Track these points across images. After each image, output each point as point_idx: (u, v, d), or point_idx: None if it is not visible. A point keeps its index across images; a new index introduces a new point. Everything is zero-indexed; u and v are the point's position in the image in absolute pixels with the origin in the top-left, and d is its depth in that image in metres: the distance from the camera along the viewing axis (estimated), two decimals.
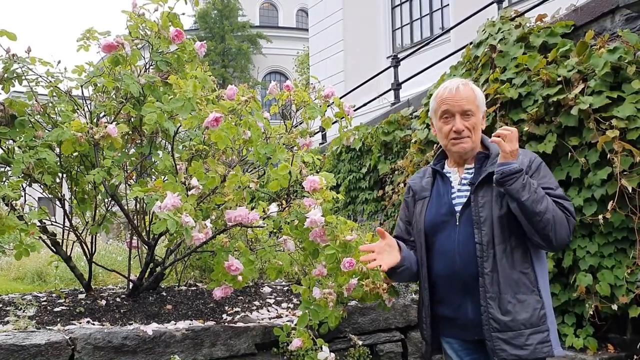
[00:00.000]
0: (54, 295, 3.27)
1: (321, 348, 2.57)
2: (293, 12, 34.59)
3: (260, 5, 34.42)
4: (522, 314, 1.93)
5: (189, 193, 2.51)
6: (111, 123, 2.78)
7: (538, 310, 1.96)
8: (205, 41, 3.04)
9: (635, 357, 3.33)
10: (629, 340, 3.49)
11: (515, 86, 3.90)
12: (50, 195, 3.08)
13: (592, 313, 3.41)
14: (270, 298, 3.45)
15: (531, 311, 1.95)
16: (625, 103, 3.35)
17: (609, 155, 3.33)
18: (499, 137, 1.89)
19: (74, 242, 3.28)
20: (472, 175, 2.07)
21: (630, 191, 3.25)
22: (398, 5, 12.07)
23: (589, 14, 3.90)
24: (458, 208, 2.05)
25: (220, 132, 2.44)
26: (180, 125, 2.76)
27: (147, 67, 2.97)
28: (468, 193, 2.04)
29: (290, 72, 28.24)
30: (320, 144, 8.69)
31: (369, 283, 2.45)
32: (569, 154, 3.57)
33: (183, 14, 2.93)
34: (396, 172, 5.40)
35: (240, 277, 2.57)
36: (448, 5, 10.66)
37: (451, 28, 8.59)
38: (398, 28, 12.09)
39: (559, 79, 3.65)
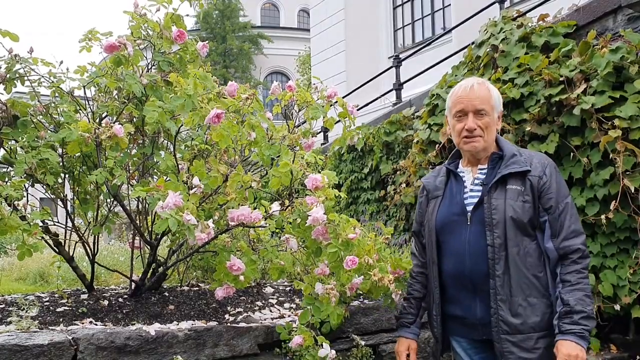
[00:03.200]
0: (56, 295, 3.27)
1: (322, 346, 2.57)
2: (294, 13, 34.58)
3: (262, 5, 34.42)
4: (532, 318, 1.93)
5: (191, 192, 2.51)
6: (114, 123, 2.78)
7: (548, 314, 1.96)
8: (207, 41, 3.04)
9: (638, 357, 3.33)
10: (631, 341, 3.48)
11: (517, 86, 3.90)
12: (52, 196, 3.08)
13: (594, 313, 3.40)
14: (272, 298, 3.45)
15: (541, 315, 1.95)
16: (627, 103, 3.34)
17: (611, 155, 3.33)
18: None
19: (76, 242, 3.28)
20: (485, 176, 2.07)
21: (632, 191, 3.24)
22: (399, 5, 12.06)
23: (591, 13, 3.89)
24: (470, 208, 2.05)
25: (221, 131, 2.44)
26: (182, 125, 2.77)
27: (149, 67, 2.97)
28: (480, 193, 2.04)
29: (291, 73, 28.25)
30: (322, 144, 8.69)
31: (376, 273, 2.44)
32: (572, 153, 3.56)
33: (187, 15, 2.93)
34: (398, 173, 5.40)
35: (242, 277, 2.57)
36: (449, 5, 10.66)
37: (453, 28, 8.59)
38: (400, 28, 12.09)
39: (561, 79, 3.64)
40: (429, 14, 11.42)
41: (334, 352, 2.57)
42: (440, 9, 11.12)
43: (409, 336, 2.26)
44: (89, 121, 2.80)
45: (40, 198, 3.20)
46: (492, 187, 2.00)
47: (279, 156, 2.73)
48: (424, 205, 2.25)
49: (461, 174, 2.14)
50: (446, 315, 2.13)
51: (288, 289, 3.73)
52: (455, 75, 4.72)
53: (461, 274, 2.03)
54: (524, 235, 1.97)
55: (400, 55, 8.91)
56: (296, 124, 3.11)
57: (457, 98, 2.06)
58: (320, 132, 8.75)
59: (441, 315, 2.13)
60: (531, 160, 2.03)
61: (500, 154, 2.08)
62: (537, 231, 2.00)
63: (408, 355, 2.25)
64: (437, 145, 4.55)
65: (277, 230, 2.95)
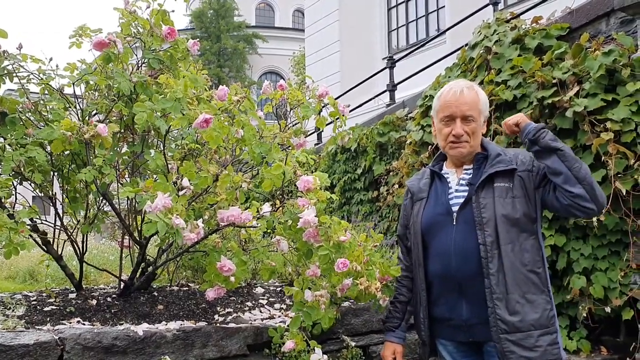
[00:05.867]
0: (44, 294, 3.23)
1: (314, 350, 2.55)
2: (289, 13, 34.56)
3: (257, 5, 34.38)
4: (531, 314, 1.90)
5: (180, 194, 2.48)
6: (103, 121, 2.75)
7: (548, 311, 1.93)
8: (198, 39, 3.02)
9: (628, 359, 3.33)
10: (622, 343, 3.48)
11: (510, 88, 3.90)
12: (41, 194, 3.05)
13: (585, 315, 3.41)
14: (262, 299, 3.43)
15: (541, 312, 1.91)
16: (619, 105, 3.34)
17: (603, 158, 3.33)
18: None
19: (64, 241, 3.24)
20: (470, 176, 2.06)
21: (624, 194, 3.25)
22: (394, 6, 12.07)
23: (584, 16, 3.90)
24: (455, 208, 2.04)
25: (211, 132, 2.42)
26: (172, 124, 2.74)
27: (139, 64, 2.95)
28: (466, 193, 2.03)
29: (286, 73, 28.22)
30: (315, 144, 8.67)
31: (363, 282, 2.44)
32: None
33: (173, 11, 2.90)
34: (391, 173, 5.39)
35: (232, 278, 2.55)
36: (444, 6, 10.67)
37: (447, 29, 8.58)
38: (394, 29, 12.09)
39: (554, 81, 3.64)
40: (423, 16, 11.42)
41: (325, 357, 2.56)
42: (435, 10, 11.13)
43: (394, 340, 2.26)
44: (78, 119, 2.77)
45: (33, 197, 3.16)
46: (479, 187, 1.99)
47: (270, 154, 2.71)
48: (409, 208, 2.25)
49: (445, 175, 2.14)
50: (432, 317, 2.12)
51: (279, 289, 3.71)
52: (449, 77, 4.72)
53: (447, 274, 2.01)
54: (520, 231, 1.95)
55: (394, 57, 8.91)
56: (288, 124, 3.09)
57: (446, 102, 2.05)
58: (313, 132, 8.74)
59: (428, 317, 2.12)
60: (516, 158, 2.03)
61: (485, 154, 2.08)
62: (537, 225, 2.00)
63: (394, 359, 2.24)
64: (429, 147, 4.54)
65: (269, 231, 2.93)
